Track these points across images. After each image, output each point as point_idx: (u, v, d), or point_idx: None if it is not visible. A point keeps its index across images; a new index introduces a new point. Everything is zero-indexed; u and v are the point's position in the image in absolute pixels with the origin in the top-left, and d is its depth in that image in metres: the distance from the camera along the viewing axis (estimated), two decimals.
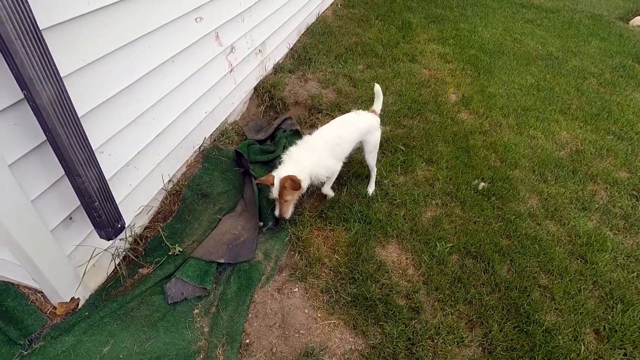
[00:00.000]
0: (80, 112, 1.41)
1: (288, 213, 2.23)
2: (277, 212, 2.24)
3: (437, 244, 2.33)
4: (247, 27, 2.86)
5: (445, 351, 1.84)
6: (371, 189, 2.64)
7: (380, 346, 1.81)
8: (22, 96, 1.17)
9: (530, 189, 2.87)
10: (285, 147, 2.85)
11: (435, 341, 1.88)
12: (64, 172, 1.44)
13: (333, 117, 3.20)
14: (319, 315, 1.93)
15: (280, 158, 2.29)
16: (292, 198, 2.21)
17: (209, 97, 2.54)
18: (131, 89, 1.79)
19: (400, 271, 2.18)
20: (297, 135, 3.00)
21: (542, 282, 2.23)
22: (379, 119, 2.58)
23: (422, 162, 2.95)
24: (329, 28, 4.67)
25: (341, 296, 2.00)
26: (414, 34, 4.95)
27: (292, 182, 2.08)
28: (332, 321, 1.90)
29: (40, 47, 1.10)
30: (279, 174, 2.14)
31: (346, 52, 4.19)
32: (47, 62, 1.13)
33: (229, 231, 2.27)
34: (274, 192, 2.16)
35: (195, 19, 2.17)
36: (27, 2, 1.06)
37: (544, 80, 4.37)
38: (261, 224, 2.33)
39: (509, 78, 4.29)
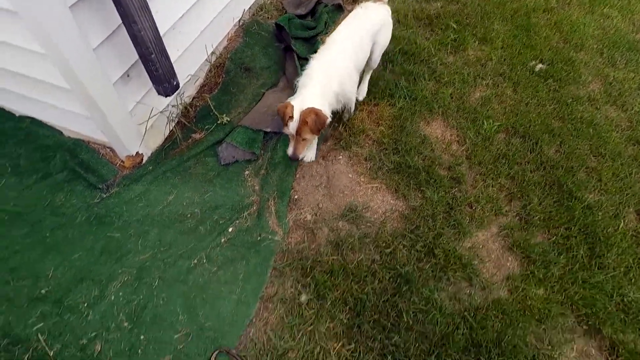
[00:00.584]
0: None
1: (303, 152, 1.79)
2: (290, 151, 1.76)
3: (485, 122, 2.27)
4: None
5: (482, 217, 1.92)
6: (363, 93, 2.27)
7: (420, 208, 1.91)
8: None
9: (595, 73, 2.63)
10: (326, 24, 2.71)
11: (473, 208, 1.95)
12: (120, 22, 1.46)
13: None
14: (362, 179, 2.02)
15: (299, 77, 1.85)
16: (312, 137, 1.75)
17: None
18: None
19: (444, 146, 2.18)
20: (340, 10, 2.82)
21: (591, 164, 2.17)
22: (389, 10, 2.15)
23: (474, 41, 2.73)
24: None
25: (384, 164, 2.06)
26: None
27: (316, 117, 1.62)
28: (375, 185, 2.00)
29: None
30: (300, 103, 1.66)
31: None
32: None
33: (273, 104, 2.30)
34: (292, 127, 1.67)
35: None
36: None
37: None
38: None
39: None
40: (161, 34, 1.74)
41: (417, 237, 1.79)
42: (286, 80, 2.48)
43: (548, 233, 1.92)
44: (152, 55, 1.55)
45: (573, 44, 2.80)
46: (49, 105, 1.88)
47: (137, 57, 1.64)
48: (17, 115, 2.13)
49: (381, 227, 1.83)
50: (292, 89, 2.37)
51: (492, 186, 2.04)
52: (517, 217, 1.97)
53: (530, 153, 2.21)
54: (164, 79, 1.66)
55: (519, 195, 2.04)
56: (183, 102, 2.16)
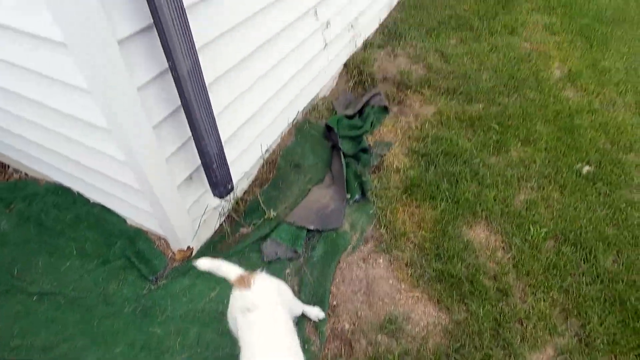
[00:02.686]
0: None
1: None
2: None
3: (531, 228, 2.22)
4: (342, 3, 2.90)
5: (535, 337, 1.80)
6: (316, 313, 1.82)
7: (464, 323, 1.82)
8: (167, 66, 1.38)
9: None
10: (372, 124, 2.89)
11: (524, 325, 1.84)
12: (190, 135, 1.67)
13: (422, 94, 3.16)
14: (403, 287, 1.99)
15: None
16: None
17: (304, 73, 2.66)
18: (244, 62, 1.97)
19: (488, 252, 2.13)
20: (385, 111, 3.01)
21: None
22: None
23: (517, 143, 2.77)
24: (420, 0, 4.48)
25: (426, 271, 2.03)
26: (515, 3, 4.52)
27: None
28: (416, 294, 1.95)
29: (184, 21, 1.27)
30: None
31: (438, 26, 4.00)
32: (188, 35, 1.30)
33: (318, 200, 2.41)
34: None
35: None
36: None
37: None
38: (348, 196, 2.42)
39: (630, 49, 3.75)
40: (225, 139, 1.95)
41: (463, 357, 1.69)
42: (332, 177, 2.61)
43: (615, 359, 1.75)
44: (214, 166, 1.72)
45: (621, 146, 2.77)
46: (117, 197, 2.09)
47: (199, 162, 1.83)
48: (90, 201, 2.37)
49: (423, 343, 1.75)
50: (337, 185, 2.49)
51: (543, 300, 1.93)
52: (576, 338, 1.83)
53: (584, 263, 2.10)
54: (221, 184, 1.82)
55: (575, 312, 1.90)
56: (235, 196, 2.32)
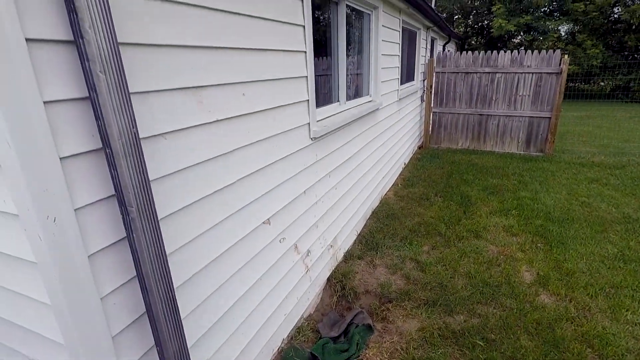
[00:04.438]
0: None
1: None
2: None
3: None
4: (321, 231, 3.31)
5: None
6: None
7: None
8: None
9: None
10: (358, 345, 2.88)
11: None
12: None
13: (404, 308, 3.26)
14: None
15: None
16: None
17: (288, 301, 2.80)
18: (231, 310, 2.11)
19: None
20: (370, 330, 3.05)
21: None
22: None
23: None
24: (392, 210, 5.12)
25: None
26: (474, 208, 5.20)
27: None
28: None
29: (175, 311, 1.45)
30: None
31: (410, 234, 4.47)
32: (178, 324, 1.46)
33: None
34: None
35: (279, 240, 2.61)
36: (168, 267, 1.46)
37: (629, 249, 4.13)
38: None
39: (586, 249, 4.13)
40: None
41: None
42: None
43: None
44: None
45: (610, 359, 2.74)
46: None
47: None
48: None
49: None
50: None
51: None
52: None
53: None
54: None
55: None
56: None
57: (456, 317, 3.19)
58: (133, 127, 1.21)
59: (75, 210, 1.18)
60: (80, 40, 1.09)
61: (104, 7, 1.11)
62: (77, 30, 1.09)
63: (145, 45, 1.41)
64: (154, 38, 1.44)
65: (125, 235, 1.32)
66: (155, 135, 1.48)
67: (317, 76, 3.10)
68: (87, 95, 1.17)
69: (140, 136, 1.40)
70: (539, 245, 4.25)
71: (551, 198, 5.58)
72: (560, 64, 7.42)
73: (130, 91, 1.34)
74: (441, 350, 2.83)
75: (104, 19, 1.11)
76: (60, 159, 1.13)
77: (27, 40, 1.03)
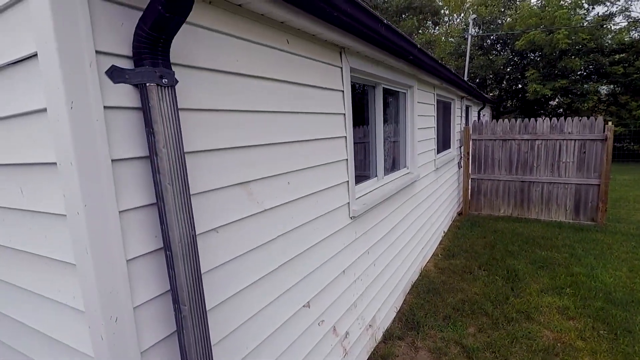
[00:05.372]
0: None
1: None
2: None
3: None
4: (359, 311, 3.22)
5: None
6: None
7: None
8: None
9: None
10: None
11: None
12: None
13: None
14: None
15: None
16: None
17: None
18: None
19: None
20: None
21: None
22: None
23: None
24: (432, 284, 4.91)
25: None
26: (522, 285, 4.87)
27: None
28: None
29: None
30: None
31: (454, 312, 4.22)
32: None
33: None
34: None
35: (318, 323, 2.57)
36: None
37: None
38: None
39: None
40: None
41: None
42: None
43: None
44: None
45: None
46: None
47: None
48: None
49: None
50: None
51: None
52: None
53: None
54: None
55: None
56: None
57: None
58: (192, 230, 1.32)
59: (134, 308, 1.26)
60: (155, 157, 1.26)
61: (176, 127, 1.29)
62: (153, 148, 1.26)
63: (205, 151, 1.59)
64: (212, 144, 1.62)
65: (175, 329, 1.38)
66: (208, 231, 1.60)
67: (355, 150, 3.23)
68: (155, 202, 1.32)
69: (197, 232, 1.52)
70: (601, 332, 3.84)
71: (610, 275, 5.13)
72: (604, 131, 7.23)
73: (191, 192, 1.48)
74: None
75: (175, 139, 1.28)
76: (127, 261, 1.24)
77: (112, 160, 1.20)
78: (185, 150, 1.46)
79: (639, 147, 19.77)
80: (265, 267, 1.99)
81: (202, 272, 1.52)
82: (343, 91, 2.83)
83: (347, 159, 2.88)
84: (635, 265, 5.47)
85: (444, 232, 7.13)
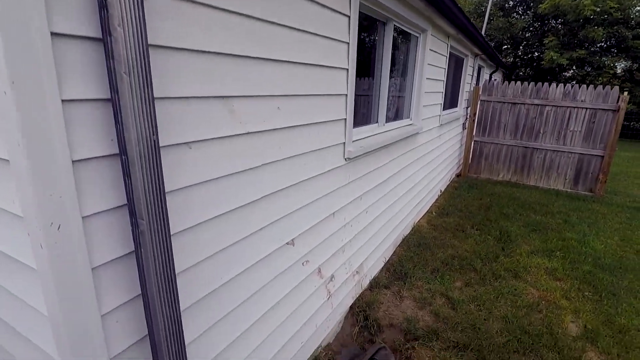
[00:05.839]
0: None
1: None
2: None
3: None
4: (347, 256, 3.13)
5: None
6: None
7: None
8: None
9: None
10: None
11: None
12: None
13: (431, 349, 2.99)
14: None
15: None
16: None
17: (306, 328, 2.63)
18: (244, 336, 1.96)
19: None
20: None
21: None
22: None
23: None
24: (424, 239, 4.84)
25: None
26: (514, 245, 4.82)
27: None
28: None
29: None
30: None
31: (442, 266, 4.17)
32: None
33: None
34: None
35: (302, 263, 2.46)
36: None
37: None
38: None
39: None
40: None
41: None
42: None
43: None
44: None
45: None
46: None
47: None
48: None
49: None
50: None
51: None
52: None
53: None
54: None
55: None
56: None
57: None
58: (153, 135, 1.12)
59: (83, 218, 1.09)
60: (108, 38, 1.03)
61: (137, 5, 1.04)
62: (106, 27, 1.02)
63: (178, 49, 1.34)
64: (189, 43, 1.37)
65: (133, 249, 1.22)
66: (179, 144, 1.40)
67: (357, 95, 2.97)
68: (109, 97, 1.10)
69: (164, 144, 1.32)
70: (586, 293, 3.83)
71: (601, 242, 5.09)
72: (618, 101, 6.91)
73: (157, 96, 1.27)
74: None
75: (135, 17, 1.04)
76: (73, 161, 1.05)
77: (52, 34, 0.97)
78: (152, 42, 1.22)
79: None
80: (246, 196, 1.82)
81: (167, 188, 1.34)
82: (349, 17, 2.52)
83: (346, 95, 2.63)
84: (627, 235, 5.42)
85: (441, 191, 7.01)
